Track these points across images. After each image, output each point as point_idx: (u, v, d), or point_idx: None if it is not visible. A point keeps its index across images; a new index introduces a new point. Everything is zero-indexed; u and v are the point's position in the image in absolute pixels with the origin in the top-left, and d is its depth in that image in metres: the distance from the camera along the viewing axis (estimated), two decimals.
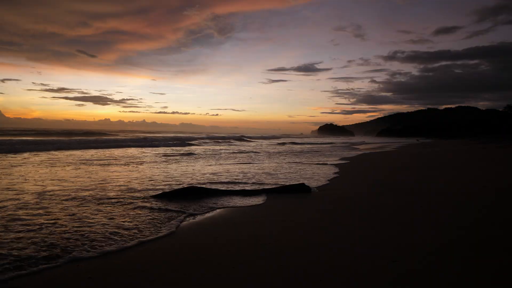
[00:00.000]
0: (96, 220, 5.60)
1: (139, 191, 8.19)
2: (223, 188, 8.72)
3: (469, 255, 4.01)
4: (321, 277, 3.44)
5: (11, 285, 3.33)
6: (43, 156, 17.62)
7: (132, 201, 7.09)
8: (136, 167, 13.57)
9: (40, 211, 6.02)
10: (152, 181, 9.71)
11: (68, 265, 3.83)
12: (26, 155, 17.81)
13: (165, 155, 20.63)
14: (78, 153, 20.36)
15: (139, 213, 6.15)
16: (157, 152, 22.60)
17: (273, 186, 9.13)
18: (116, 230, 5.09)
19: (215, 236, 4.92)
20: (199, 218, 6.05)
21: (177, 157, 19.08)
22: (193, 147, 31.54)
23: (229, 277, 3.47)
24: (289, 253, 4.14)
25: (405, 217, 5.89)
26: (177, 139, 43.06)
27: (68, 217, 5.72)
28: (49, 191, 7.82)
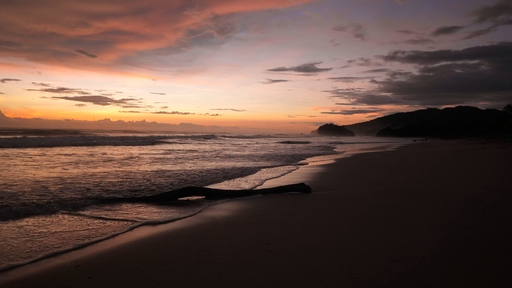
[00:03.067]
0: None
1: (124, 190, 8.18)
2: (218, 188, 8.72)
3: (471, 255, 4.01)
4: (321, 277, 3.44)
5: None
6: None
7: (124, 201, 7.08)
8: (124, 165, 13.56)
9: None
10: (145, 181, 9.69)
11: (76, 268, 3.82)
12: None
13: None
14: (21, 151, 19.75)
15: (139, 212, 6.16)
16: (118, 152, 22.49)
17: (275, 186, 9.12)
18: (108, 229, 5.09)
19: (216, 236, 4.92)
20: (199, 218, 6.04)
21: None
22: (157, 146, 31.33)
23: (229, 277, 3.47)
24: (290, 253, 4.14)
25: (405, 217, 5.89)
26: (145, 138, 43.08)
27: None
28: None
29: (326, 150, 31.38)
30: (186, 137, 54.92)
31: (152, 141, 37.95)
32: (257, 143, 46.02)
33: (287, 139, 64.21)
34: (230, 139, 60.80)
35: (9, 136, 30.03)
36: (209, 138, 56.22)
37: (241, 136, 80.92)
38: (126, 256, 4.12)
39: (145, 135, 58.89)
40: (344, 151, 29.80)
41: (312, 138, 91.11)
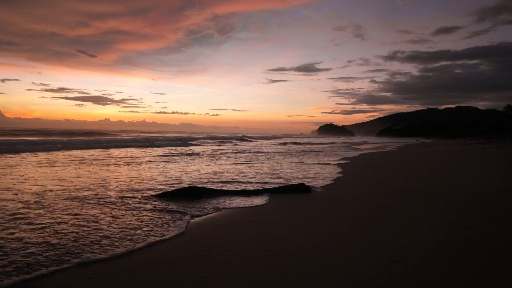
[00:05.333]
0: (99, 220, 5.60)
1: (147, 189, 8.19)
2: (225, 188, 8.72)
3: (471, 255, 4.01)
4: (321, 277, 3.44)
5: None
6: (43, 156, 17.62)
7: (131, 200, 7.09)
8: (144, 166, 13.57)
9: (42, 211, 6.01)
10: (161, 180, 9.70)
11: (76, 269, 3.81)
12: (25, 155, 17.81)
13: (172, 155, 20.85)
14: (82, 153, 20.35)
15: (142, 214, 6.15)
16: (161, 153, 22.40)
17: (274, 186, 9.12)
18: (121, 231, 5.09)
19: (216, 236, 4.92)
20: (199, 218, 6.04)
21: (182, 157, 19.26)
22: (195, 147, 31.61)
23: (229, 277, 3.47)
24: (290, 253, 4.14)
25: (405, 217, 5.89)
26: (178, 139, 43.17)
27: (71, 218, 5.72)
28: (50, 191, 7.82)
29: (355, 150, 32.28)
30: (213, 138, 53.72)
31: (185, 142, 37.56)
32: (285, 143, 47.78)
33: (298, 140, 64.66)
34: (257, 140, 60.74)
35: (68, 138, 32.18)
36: (242, 140, 55.98)
37: (263, 137, 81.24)
38: (126, 256, 4.12)
39: (166, 135, 58.51)
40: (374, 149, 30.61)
41: (331, 139, 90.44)
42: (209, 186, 8.94)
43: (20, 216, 5.65)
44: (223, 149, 28.96)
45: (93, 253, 4.14)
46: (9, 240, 4.49)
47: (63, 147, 23.54)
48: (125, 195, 7.63)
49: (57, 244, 4.39)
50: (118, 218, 5.75)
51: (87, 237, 4.69)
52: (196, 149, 28.67)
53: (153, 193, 7.82)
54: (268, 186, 9.16)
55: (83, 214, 5.89)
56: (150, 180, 9.86)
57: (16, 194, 7.37)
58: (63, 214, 5.88)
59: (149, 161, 16.25)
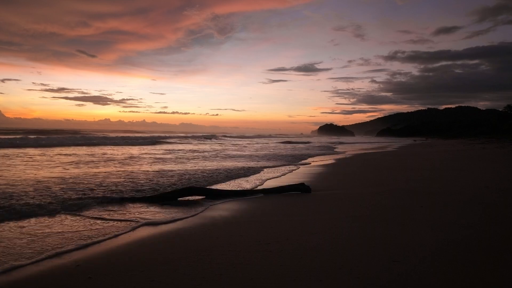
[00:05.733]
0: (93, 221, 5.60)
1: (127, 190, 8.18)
2: (224, 188, 8.72)
3: (471, 255, 4.01)
4: (321, 277, 3.44)
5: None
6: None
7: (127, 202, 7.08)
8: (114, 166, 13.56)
9: None
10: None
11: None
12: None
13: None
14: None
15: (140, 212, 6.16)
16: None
17: (274, 186, 9.12)
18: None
19: (216, 236, 4.92)
20: (199, 218, 6.05)
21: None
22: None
23: (229, 277, 3.47)
24: (290, 253, 4.14)
25: (405, 217, 5.89)
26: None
27: None
28: None
29: (327, 150, 31.35)
30: (186, 137, 55.63)
31: (153, 141, 38.30)
32: (257, 143, 46.01)
33: (287, 139, 64.21)
34: (230, 139, 61.27)
35: (10, 136, 30.09)
36: (210, 138, 56.88)
37: (241, 136, 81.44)
38: (126, 256, 4.12)
39: (145, 135, 59.96)
40: (345, 151, 29.76)
41: (312, 138, 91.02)
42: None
43: None
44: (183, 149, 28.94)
45: None
46: None
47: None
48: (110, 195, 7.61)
49: None
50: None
51: None
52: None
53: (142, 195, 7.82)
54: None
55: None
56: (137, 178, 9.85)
57: None
58: None
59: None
